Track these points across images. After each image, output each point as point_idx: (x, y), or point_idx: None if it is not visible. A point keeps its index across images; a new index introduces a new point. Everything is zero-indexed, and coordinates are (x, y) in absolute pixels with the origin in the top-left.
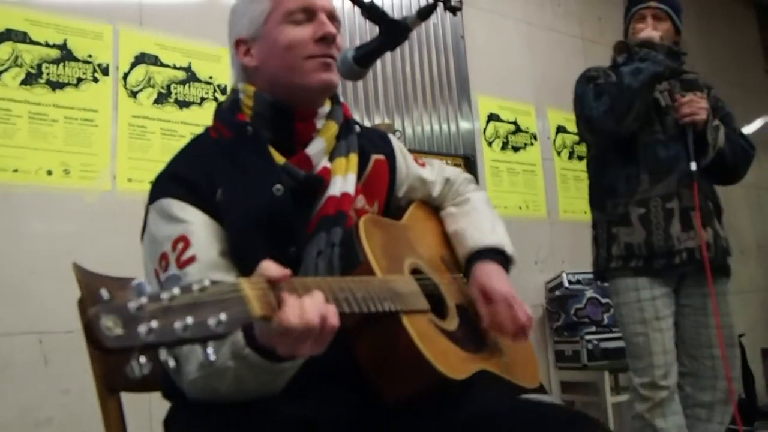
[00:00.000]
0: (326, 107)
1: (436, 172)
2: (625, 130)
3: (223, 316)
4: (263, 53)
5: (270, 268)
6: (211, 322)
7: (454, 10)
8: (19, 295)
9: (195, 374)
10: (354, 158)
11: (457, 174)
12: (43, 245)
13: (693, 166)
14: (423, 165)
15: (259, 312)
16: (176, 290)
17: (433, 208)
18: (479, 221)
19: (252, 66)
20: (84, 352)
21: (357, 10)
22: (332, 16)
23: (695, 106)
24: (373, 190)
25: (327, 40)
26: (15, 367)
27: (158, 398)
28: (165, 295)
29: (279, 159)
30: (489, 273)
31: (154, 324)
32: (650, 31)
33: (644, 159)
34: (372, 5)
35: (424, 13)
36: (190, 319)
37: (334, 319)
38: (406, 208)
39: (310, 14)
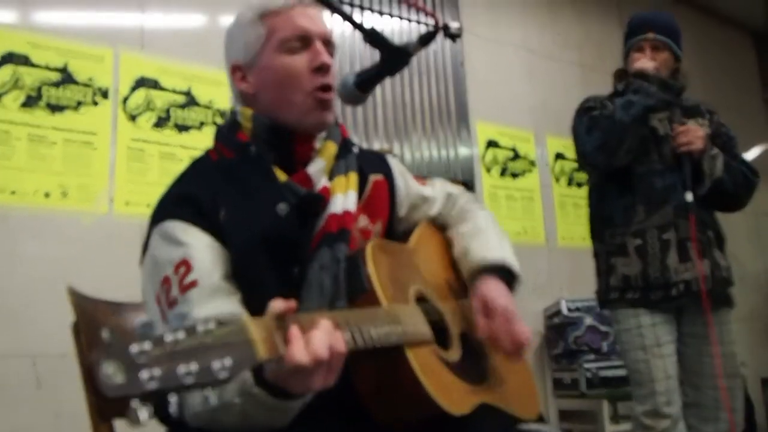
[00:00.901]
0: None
1: (437, 189)
2: (617, 163)
3: (227, 361)
4: (259, 82)
5: (277, 305)
6: (216, 366)
7: (454, 37)
8: (13, 316)
9: (199, 408)
10: (353, 176)
11: (460, 191)
12: (39, 267)
13: (689, 196)
14: (424, 184)
15: (264, 355)
16: (181, 334)
17: (440, 229)
18: (487, 240)
19: (249, 93)
20: (77, 376)
21: (358, 34)
22: (327, 42)
23: (691, 135)
24: (374, 210)
25: (322, 70)
26: (8, 389)
27: (152, 423)
28: (169, 339)
29: (282, 177)
30: (492, 287)
31: (156, 371)
32: (645, 61)
33: (640, 189)
34: (373, 31)
35: (425, 40)
36: (194, 366)
37: (341, 347)
38: (412, 229)
39: (305, 42)
